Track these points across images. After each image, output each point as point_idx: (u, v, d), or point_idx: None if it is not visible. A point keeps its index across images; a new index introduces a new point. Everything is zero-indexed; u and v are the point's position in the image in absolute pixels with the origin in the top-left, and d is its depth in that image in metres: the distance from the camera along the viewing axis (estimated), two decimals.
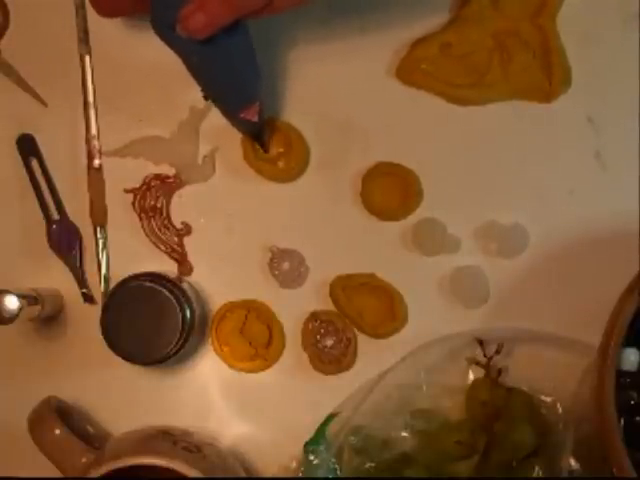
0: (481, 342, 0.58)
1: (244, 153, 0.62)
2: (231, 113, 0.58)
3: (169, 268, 0.63)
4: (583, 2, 0.61)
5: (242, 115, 0.57)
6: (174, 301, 0.58)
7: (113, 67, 0.64)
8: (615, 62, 0.61)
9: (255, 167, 0.62)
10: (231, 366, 0.62)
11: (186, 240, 0.63)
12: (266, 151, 0.61)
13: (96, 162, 0.63)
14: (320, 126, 0.62)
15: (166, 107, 0.63)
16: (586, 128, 0.61)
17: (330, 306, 0.62)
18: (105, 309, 0.58)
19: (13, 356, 0.63)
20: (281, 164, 0.62)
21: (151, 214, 0.63)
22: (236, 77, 0.54)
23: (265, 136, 0.61)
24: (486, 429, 0.56)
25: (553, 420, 0.57)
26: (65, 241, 0.63)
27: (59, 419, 0.58)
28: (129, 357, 0.58)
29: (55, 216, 0.63)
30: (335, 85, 0.63)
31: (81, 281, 0.63)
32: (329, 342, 0.61)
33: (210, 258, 0.63)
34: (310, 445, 0.58)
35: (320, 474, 0.58)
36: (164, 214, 0.63)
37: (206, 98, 0.58)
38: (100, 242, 0.63)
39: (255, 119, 0.57)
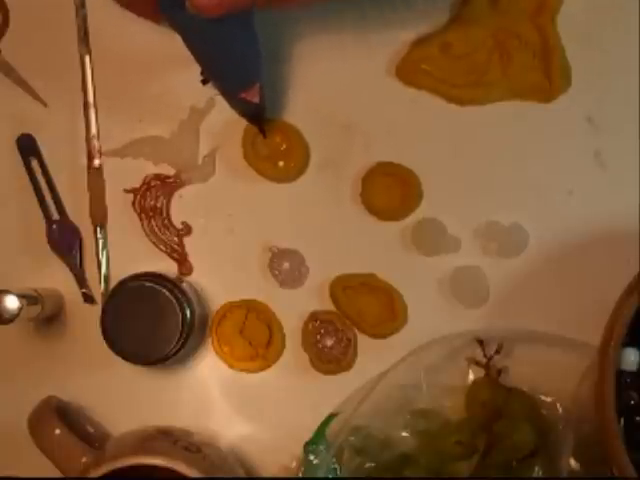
0: (481, 342, 0.58)
1: (244, 153, 0.62)
2: (231, 93, 0.58)
3: (169, 268, 0.63)
4: (583, 2, 0.61)
5: (243, 95, 0.56)
6: (174, 301, 0.58)
7: (113, 67, 0.64)
8: (615, 62, 0.61)
9: (255, 167, 0.62)
10: (231, 366, 0.62)
11: (186, 240, 0.63)
12: (265, 136, 0.61)
13: (96, 162, 0.63)
14: (320, 126, 0.62)
15: (166, 107, 0.63)
16: (586, 128, 0.61)
17: (330, 306, 0.62)
18: (105, 309, 0.58)
19: (13, 356, 0.63)
20: (281, 164, 0.62)
21: (151, 214, 0.63)
22: (236, 56, 0.54)
23: (264, 119, 0.61)
24: (486, 429, 0.56)
25: (553, 420, 0.57)
26: (65, 241, 0.63)
27: (59, 419, 0.58)
28: (129, 357, 0.58)
29: (55, 216, 0.63)
30: (335, 85, 0.63)
31: (81, 281, 0.63)
32: (329, 342, 0.61)
33: (210, 258, 0.63)
34: (310, 445, 0.58)
35: (320, 474, 0.58)
36: (164, 214, 0.63)
37: (204, 82, 0.58)
38: (100, 242, 0.63)
39: (256, 100, 0.57)
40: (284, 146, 0.62)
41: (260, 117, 0.60)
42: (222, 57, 0.53)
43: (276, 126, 0.62)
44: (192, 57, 0.58)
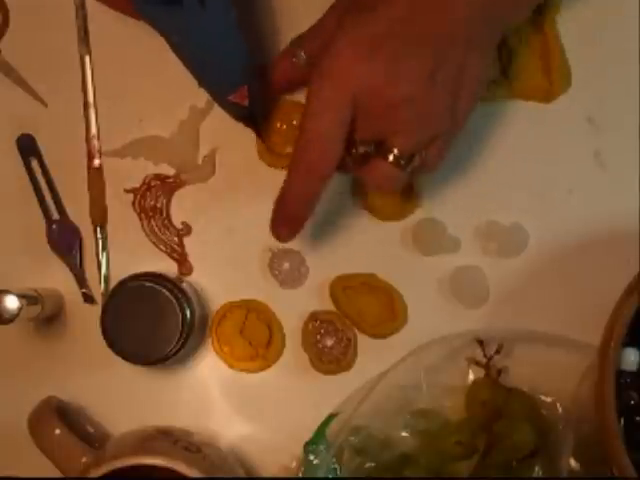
0: (481, 342, 0.58)
1: (259, 152, 0.62)
2: (219, 96, 0.58)
3: (169, 268, 0.63)
4: (583, 2, 0.61)
5: (230, 98, 0.56)
6: (174, 301, 0.58)
7: (113, 67, 0.64)
8: (615, 62, 0.61)
9: (268, 161, 0.62)
10: (231, 366, 0.62)
11: (186, 240, 0.63)
12: (263, 140, 0.61)
13: (96, 162, 0.63)
14: None
15: (166, 107, 0.63)
16: (586, 128, 0.61)
17: (330, 306, 0.62)
18: (105, 309, 0.58)
19: (13, 356, 0.63)
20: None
21: (151, 214, 0.63)
22: (219, 57, 0.54)
23: (260, 123, 0.61)
24: (486, 429, 0.56)
25: (553, 420, 0.57)
26: (65, 241, 0.63)
27: (59, 419, 0.58)
28: (129, 357, 0.58)
29: (55, 216, 0.63)
30: None
31: (81, 281, 0.63)
32: (329, 342, 0.61)
33: (210, 258, 0.63)
34: (310, 445, 0.58)
35: (320, 474, 0.58)
36: (164, 214, 0.63)
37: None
38: (100, 242, 0.63)
39: (245, 103, 0.57)
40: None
41: (254, 120, 0.60)
42: (204, 58, 0.53)
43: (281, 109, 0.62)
44: None
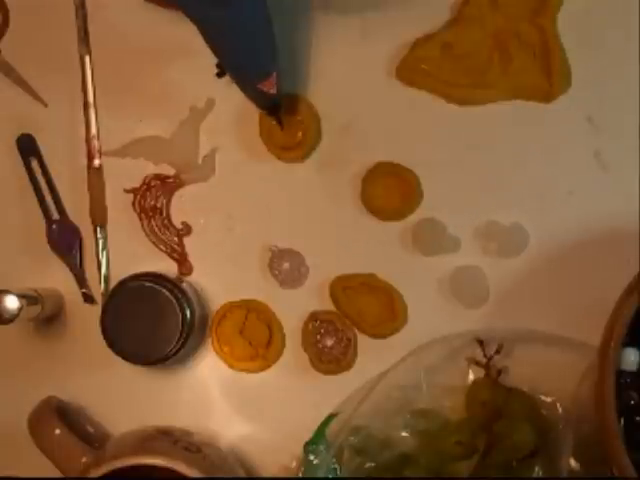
0: (481, 342, 0.58)
1: (260, 130, 0.62)
2: (248, 84, 0.57)
3: (169, 268, 0.63)
4: (583, 2, 0.61)
5: (260, 86, 0.56)
6: (174, 301, 0.58)
7: (113, 67, 0.64)
8: (615, 62, 0.61)
9: (276, 154, 0.62)
10: (231, 366, 0.62)
11: (186, 240, 0.63)
12: (282, 127, 0.61)
13: (96, 162, 0.63)
14: (320, 126, 0.62)
15: (166, 107, 0.63)
16: (586, 128, 0.61)
17: (330, 306, 0.62)
18: (105, 309, 0.58)
19: (13, 356, 0.63)
20: (300, 134, 0.61)
21: (151, 214, 0.63)
22: (251, 45, 0.53)
23: (282, 111, 0.60)
24: (486, 429, 0.56)
25: (553, 420, 0.57)
26: (65, 241, 0.63)
27: (59, 419, 0.58)
28: (129, 357, 0.58)
29: (55, 216, 0.63)
30: (335, 85, 0.63)
31: (81, 281, 0.63)
32: (329, 342, 0.61)
33: (210, 258, 0.63)
34: (310, 445, 0.58)
35: (320, 474, 0.58)
36: (164, 214, 0.63)
37: (220, 75, 0.58)
38: (100, 242, 0.63)
39: (273, 91, 0.56)
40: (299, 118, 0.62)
41: (277, 108, 0.60)
42: (239, 48, 0.53)
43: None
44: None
